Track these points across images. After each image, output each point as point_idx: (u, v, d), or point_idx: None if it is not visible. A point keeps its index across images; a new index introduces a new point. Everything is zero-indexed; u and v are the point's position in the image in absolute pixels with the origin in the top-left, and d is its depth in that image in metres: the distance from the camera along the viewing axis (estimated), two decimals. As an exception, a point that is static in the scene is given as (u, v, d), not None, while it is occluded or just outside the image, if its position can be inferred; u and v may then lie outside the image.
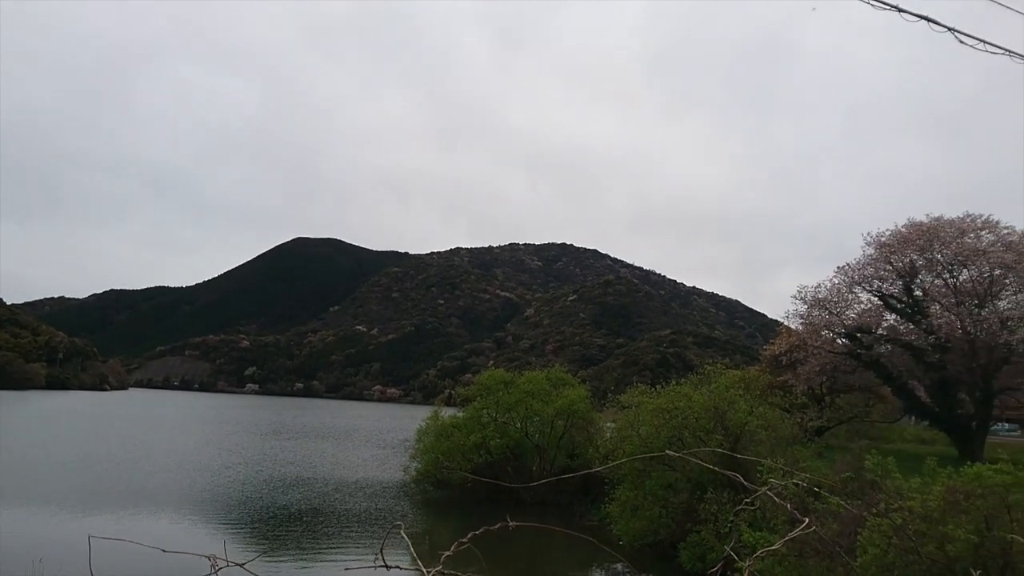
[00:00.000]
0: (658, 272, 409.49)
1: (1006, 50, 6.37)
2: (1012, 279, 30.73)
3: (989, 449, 30.49)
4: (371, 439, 70.62)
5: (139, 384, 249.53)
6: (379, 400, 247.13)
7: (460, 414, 37.06)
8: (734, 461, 20.23)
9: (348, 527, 26.23)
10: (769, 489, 2.12)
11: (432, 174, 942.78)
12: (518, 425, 34.93)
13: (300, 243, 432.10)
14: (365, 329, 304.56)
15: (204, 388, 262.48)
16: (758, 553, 1.83)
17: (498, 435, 33.47)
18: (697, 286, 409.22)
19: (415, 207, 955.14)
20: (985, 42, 6.20)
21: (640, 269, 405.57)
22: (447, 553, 1.70)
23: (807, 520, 1.84)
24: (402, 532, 2.22)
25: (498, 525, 1.97)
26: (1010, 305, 29.59)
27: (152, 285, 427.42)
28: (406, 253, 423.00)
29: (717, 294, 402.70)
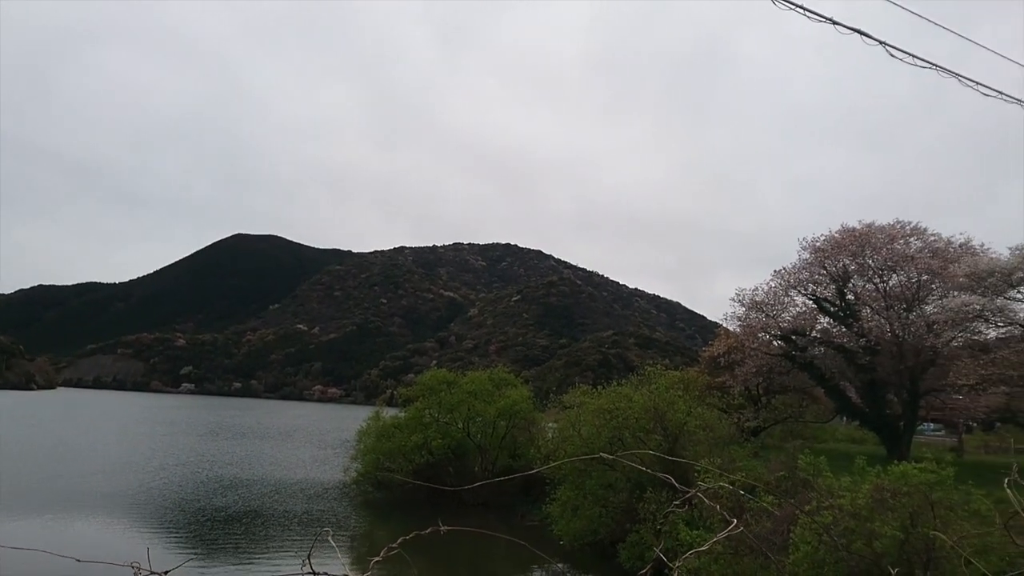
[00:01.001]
0: (601, 273, 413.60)
1: (933, 64, 6.59)
2: (938, 284, 31.88)
3: (916, 448, 31.59)
4: (311, 440, 69.59)
5: (68, 383, 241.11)
6: (319, 400, 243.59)
7: (402, 414, 36.78)
8: (672, 461, 20.50)
9: (287, 530, 25.80)
10: (699, 490, 2.12)
11: (375, 171, 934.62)
12: (460, 425, 34.83)
13: (240, 239, 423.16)
14: (306, 328, 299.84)
15: (137, 388, 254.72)
16: (687, 555, 1.84)
17: (440, 435, 33.32)
18: (639, 288, 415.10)
19: (358, 205, 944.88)
20: (914, 56, 6.41)
21: (583, 270, 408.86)
22: (376, 559, 1.66)
23: (735, 521, 1.85)
24: (330, 538, 2.16)
25: (429, 529, 1.93)
26: (936, 309, 30.66)
27: (83, 281, 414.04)
28: (349, 251, 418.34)
29: (658, 296, 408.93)
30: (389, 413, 38.32)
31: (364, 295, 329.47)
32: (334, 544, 2.11)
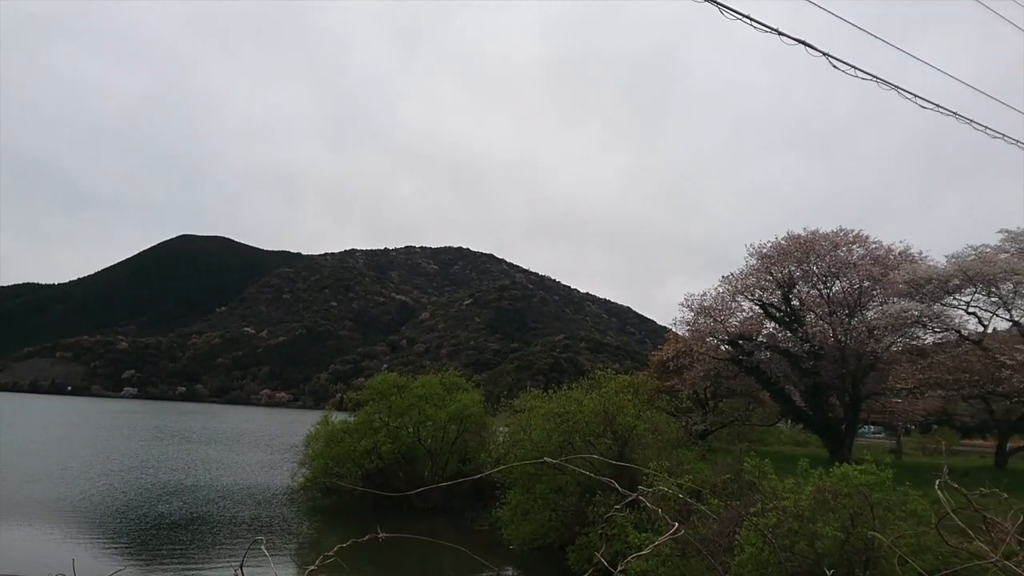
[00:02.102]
0: (553, 278, 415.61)
1: (874, 76, 6.77)
2: (879, 291, 32.79)
3: (857, 450, 32.43)
4: (259, 444, 68.41)
5: (4, 388, 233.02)
6: (267, 405, 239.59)
7: (351, 419, 36.39)
8: (621, 464, 20.65)
9: (233, 536, 25.30)
10: (640, 494, 2.12)
11: (327, 173, 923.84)
12: (410, 430, 34.59)
13: (186, 240, 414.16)
14: (254, 331, 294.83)
15: (77, 392, 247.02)
16: (628, 559, 1.83)
17: (389, 440, 33.04)
18: (591, 292, 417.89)
19: (309, 206, 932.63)
20: (856, 68, 6.57)
21: (535, 275, 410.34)
22: (311, 567, 1.62)
23: (677, 524, 1.85)
24: (263, 547, 2.10)
25: (367, 537, 1.89)
26: (876, 315, 31.48)
27: (20, 282, 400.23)
28: (298, 253, 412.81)
29: (609, 301, 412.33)
30: (338, 418, 37.85)
31: (314, 298, 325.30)
32: (267, 553, 2.05)
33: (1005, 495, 2.33)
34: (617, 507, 2.33)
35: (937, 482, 2.19)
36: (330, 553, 1.68)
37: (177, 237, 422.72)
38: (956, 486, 2.13)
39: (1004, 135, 8.09)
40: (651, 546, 1.84)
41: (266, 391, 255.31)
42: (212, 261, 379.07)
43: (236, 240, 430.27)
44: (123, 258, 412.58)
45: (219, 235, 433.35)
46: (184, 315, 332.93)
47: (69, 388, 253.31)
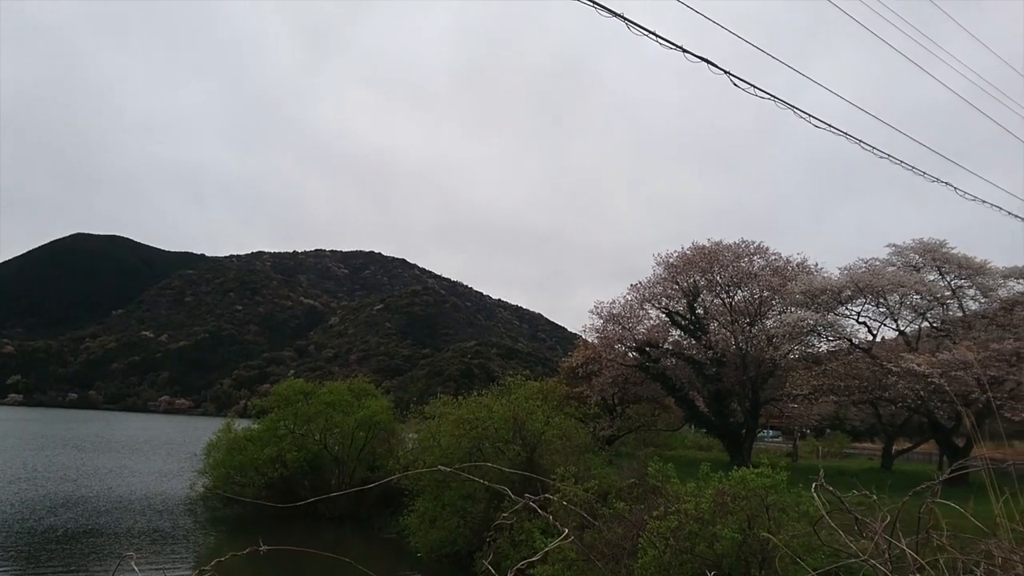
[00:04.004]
0: (465, 284, 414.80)
1: (772, 95, 7.07)
2: (778, 300, 34.18)
3: (756, 454, 33.58)
4: (157, 453, 65.57)
5: None
6: (166, 412, 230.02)
7: (255, 426, 35.35)
8: (529, 469, 20.83)
9: (129, 549, 24.11)
10: (535, 500, 2.14)
11: (234, 173, 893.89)
12: (317, 437, 33.87)
13: (80, 239, 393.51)
14: (152, 335, 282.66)
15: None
16: (519, 564, 1.84)
17: (295, 448, 32.28)
18: (503, 299, 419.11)
19: (214, 207, 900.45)
20: (755, 87, 6.85)
21: (448, 280, 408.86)
22: (195, 584, 1.56)
23: (567, 531, 1.88)
24: (133, 564, 2.01)
25: (247, 550, 1.83)
26: (775, 324, 32.75)
27: None
28: (202, 255, 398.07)
29: (521, 307, 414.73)
30: (241, 425, 36.72)
31: (218, 301, 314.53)
32: (136, 568, 1.95)
33: (875, 497, 2.46)
34: (505, 515, 2.34)
35: (813, 485, 2.31)
36: (206, 568, 1.62)
37: (70, 236, 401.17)
38: (831, 489, 2.24)
39: (890, 155, 8.58)
40: (540, 553, 1.86)
41: (165, 398, 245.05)
42: (108, 261, 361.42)
43: (135, 240, 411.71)
44: (9, 257, 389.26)
45: (117, 234, 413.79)
46: (77, 318, 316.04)
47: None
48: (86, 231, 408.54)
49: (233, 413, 51.35)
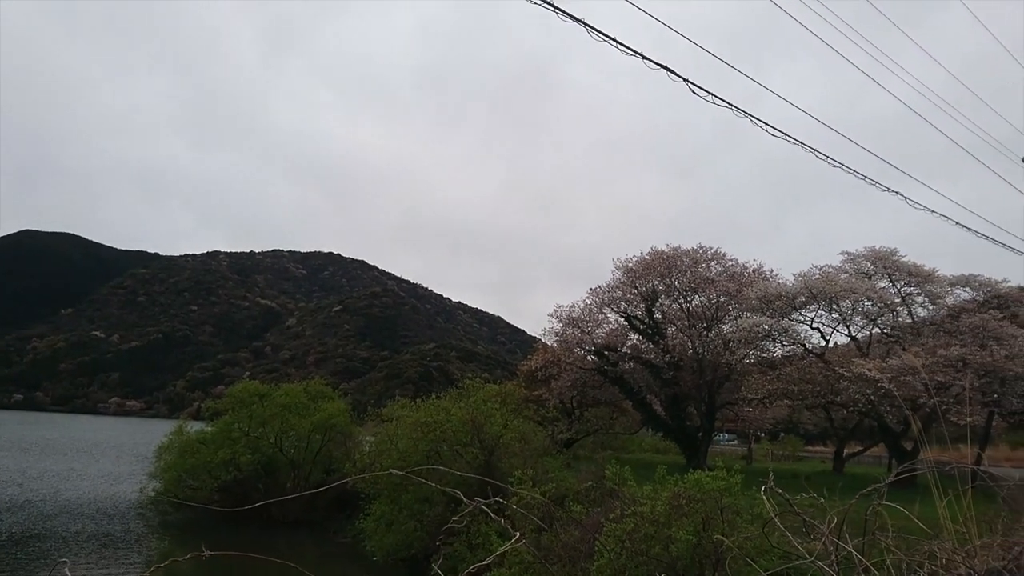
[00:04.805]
0: (425, 286, 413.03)
1: (730, 104, 7.17)
2: (734, 306, 34.68)
3: (712, 457, 34.04)
4: (106, 455, 63.98)
5: None
6: (116, 414, 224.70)
7: (209, 429, 34.74)
8: (487, 472, 20.79)
9: (77, 554, 23.57)
10: (479, 503, 2.14)
11: (191, 171, 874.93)
12: (272, 440, 33.42)
13: (28, 236, 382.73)
14: (103, 335, 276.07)
15: None
16: (470, 568, 1.84)
17: (249, 451, 31.80)
18: (463, 301, 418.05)
19: (168, 205, 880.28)
20: (713, 95, 6.93)
21: (408, 282, 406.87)
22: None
23: (518, 534, 1.88)
24: (67, 570, 1.95)
25: (188, 555, 1.80)
26: (731, 329, 33.22)
27: None
28: (156, 254, 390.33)
29: (481, 310, 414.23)
30: (195, 427, 36.05)
31: (172, 301, 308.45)
32: (69, 574, 1.90)
33: (822, 499, 2.51)
34: (456, 519, 2.33)
35: (763, 488, 2.35)
36: (146, 575, 1.58)
37: (17, 232, 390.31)
38: (780, 491, 2.28)
39: (843, 164, 8.77)
40: (490, 557, 1.86)
41: (115, 399, 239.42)
42: (58, 259, 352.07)
43: (86, 238, 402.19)
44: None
45: (67, 232, 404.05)
46: (23, 317, 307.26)
47: None
48: (35, 228, 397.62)
49: (186, 415, 50.57)
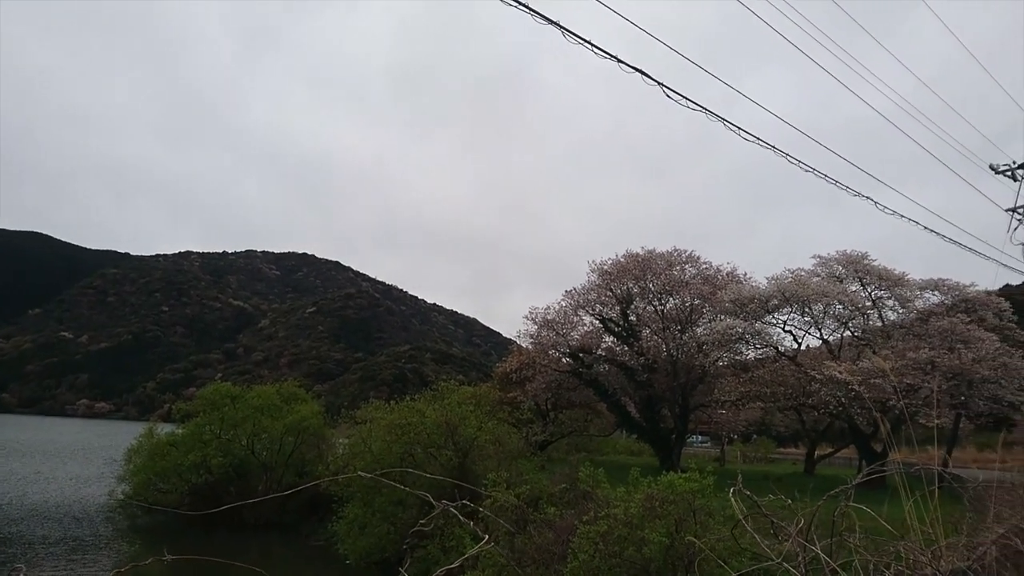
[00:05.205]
0: (400, 288, 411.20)
1: (703, 108, 7.22)
2: (708, 309, 34.90)
3: (685, 459, 34.21)
4: (74, 457, 62.93)
5: None
6: (85, 416, 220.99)
7: (179, 431, 34.31)
8: (461, 475, 20.79)
9: (44, 559, 23.13)
10: (447, 506, 2.12)
11: (164, 170, 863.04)
12: (244, 442, 33.07)
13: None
14: (72, 336, 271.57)
15: None
16: (439, 572, 1.82)
17: (221, 454, 31.43)
18: (438, 303, 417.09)
19: (141, 205, 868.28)
20: (687, 99, 6.97)
21: (383, 284, 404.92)
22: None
23: (486, 537, 1.86)
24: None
25: (150, 559, 1.77)
26: (705, 331, 33.45)
27: None
28: (127, 254, 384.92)
29: (456, 312, 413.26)
30: (165, 430, 35.59)
31: (143, 301, 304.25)
32: (27, 582, 1.85)
33: (790, 501, 2.52)
34: (423, 522, 2.31)
35: (731, 490, 2.35)
36: (113, 578, 1.55)
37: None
38: (748, 493, 2.29)
39: (814, 169, 8.86)
40: (457, 561, 1.85)
41: (84, 401, 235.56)
42: (26, 259, 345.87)
43: (55, 237, 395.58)
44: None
45: (35, 231, 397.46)
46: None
47: None
48: (2, 227, 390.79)
49: (156, 417, 49.88)
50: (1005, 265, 23.71)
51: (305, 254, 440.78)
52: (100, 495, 35.72)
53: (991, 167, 25.02)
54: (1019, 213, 24.39)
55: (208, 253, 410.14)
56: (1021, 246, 24.29)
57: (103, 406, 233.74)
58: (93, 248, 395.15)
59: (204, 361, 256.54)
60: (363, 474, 2.45)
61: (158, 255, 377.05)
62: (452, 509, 2.02)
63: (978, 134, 25.84)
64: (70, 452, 68.89)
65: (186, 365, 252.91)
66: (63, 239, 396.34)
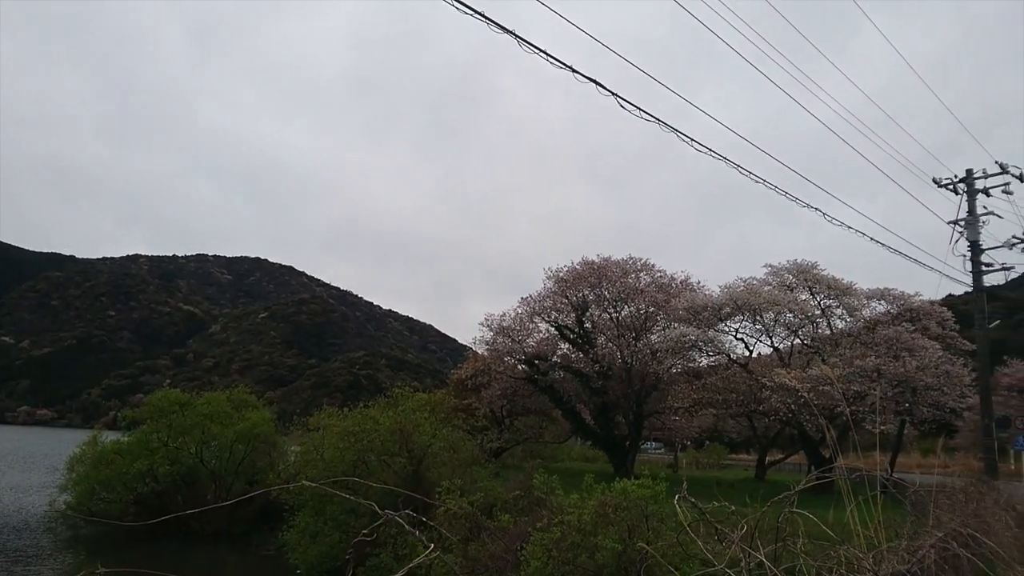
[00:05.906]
0: (355, 293, 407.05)
1: (657, 119, 7.30)
2: (662, 316, 35.32)
3: (639, 465, 34.47)
4: (13, 466, 60.88)
5: None
6: (25, 423, 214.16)
7: (125, 438, 33.44)
8: (415, 482, 20.67)
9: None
10: (394, 515, 2.11)
11: (111, 171, 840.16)
12: (193, 450, 32.38)
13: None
14: (12, 341, 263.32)
15: None
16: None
17: (168, 462, 30.73)
18: (394, 309, 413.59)
19: (85, 206, 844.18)
20: (641, 109, 7.05)
21: (337, 289, 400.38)
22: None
23: (432, 546, 1.85)
24: None
25: (82, 573, 1.71)
26: (659, 339, 33.81)
27: None
28: (71, 256, 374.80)
29: (412, 318, 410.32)
30: (110, 437, 34.65)
31: (88, 306, 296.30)
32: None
33: (732, 508, 2.55)
34: (365, 532, 2.28)
35: (676, 497, 2.38)
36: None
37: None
38: (693, 500, 2.31)
39: (764, 180, 9.03)
40: (402, 571, 1.83)
41: (25, 408, 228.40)
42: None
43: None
44: None
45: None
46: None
47: None
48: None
49: (101, 425, 48.54)
50: (947, 276, 24.44)
51: (258, 258, 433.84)
52: (41, 505, 34.61)
53: (934, 180, 25.81)
54: (960, 226, 25.21)
55: (157, 256, 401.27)
56: (962, 257, 25.11)
57: (45, 413, 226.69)
58: (36, 250, 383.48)
59: (152, 367, 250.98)
60: (308, 483, 2.41)
61: (104, 258, 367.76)
62: (398, 519, 1.99)
63: (922, 149, 26.64)
64: (9, 461, 66.62)
65: (133, 371, 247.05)
66: (4, 240, 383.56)
